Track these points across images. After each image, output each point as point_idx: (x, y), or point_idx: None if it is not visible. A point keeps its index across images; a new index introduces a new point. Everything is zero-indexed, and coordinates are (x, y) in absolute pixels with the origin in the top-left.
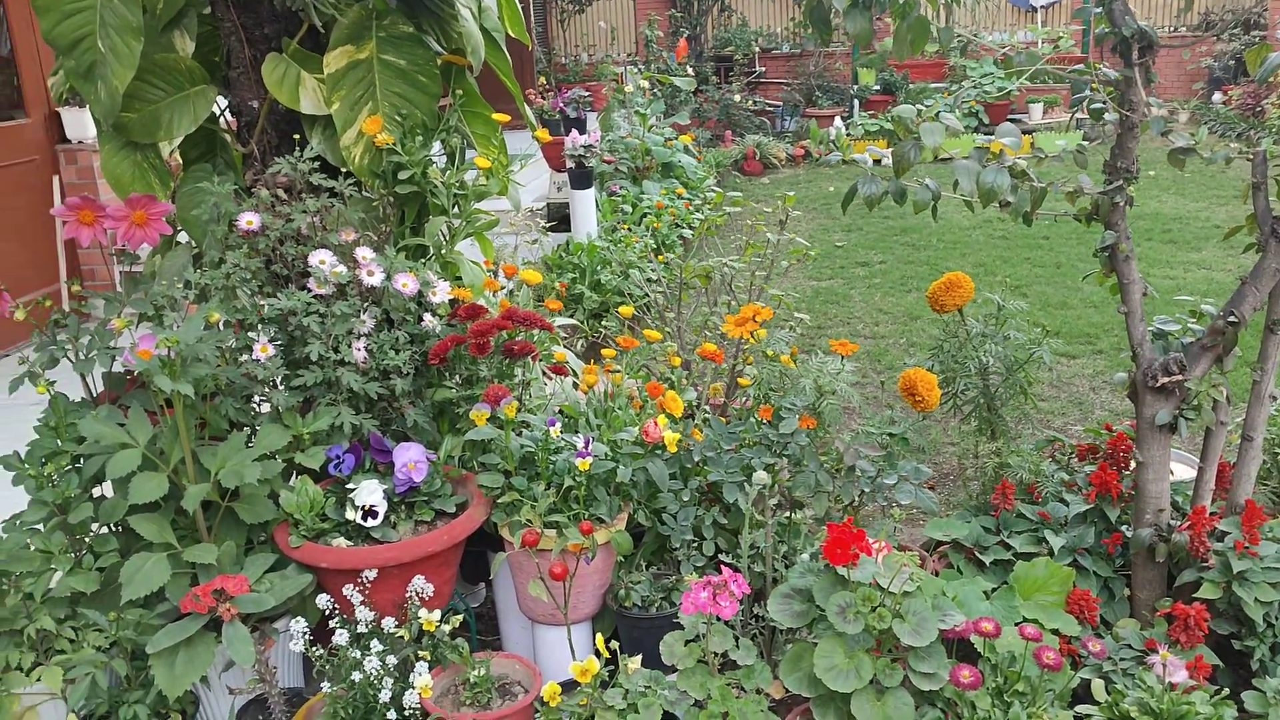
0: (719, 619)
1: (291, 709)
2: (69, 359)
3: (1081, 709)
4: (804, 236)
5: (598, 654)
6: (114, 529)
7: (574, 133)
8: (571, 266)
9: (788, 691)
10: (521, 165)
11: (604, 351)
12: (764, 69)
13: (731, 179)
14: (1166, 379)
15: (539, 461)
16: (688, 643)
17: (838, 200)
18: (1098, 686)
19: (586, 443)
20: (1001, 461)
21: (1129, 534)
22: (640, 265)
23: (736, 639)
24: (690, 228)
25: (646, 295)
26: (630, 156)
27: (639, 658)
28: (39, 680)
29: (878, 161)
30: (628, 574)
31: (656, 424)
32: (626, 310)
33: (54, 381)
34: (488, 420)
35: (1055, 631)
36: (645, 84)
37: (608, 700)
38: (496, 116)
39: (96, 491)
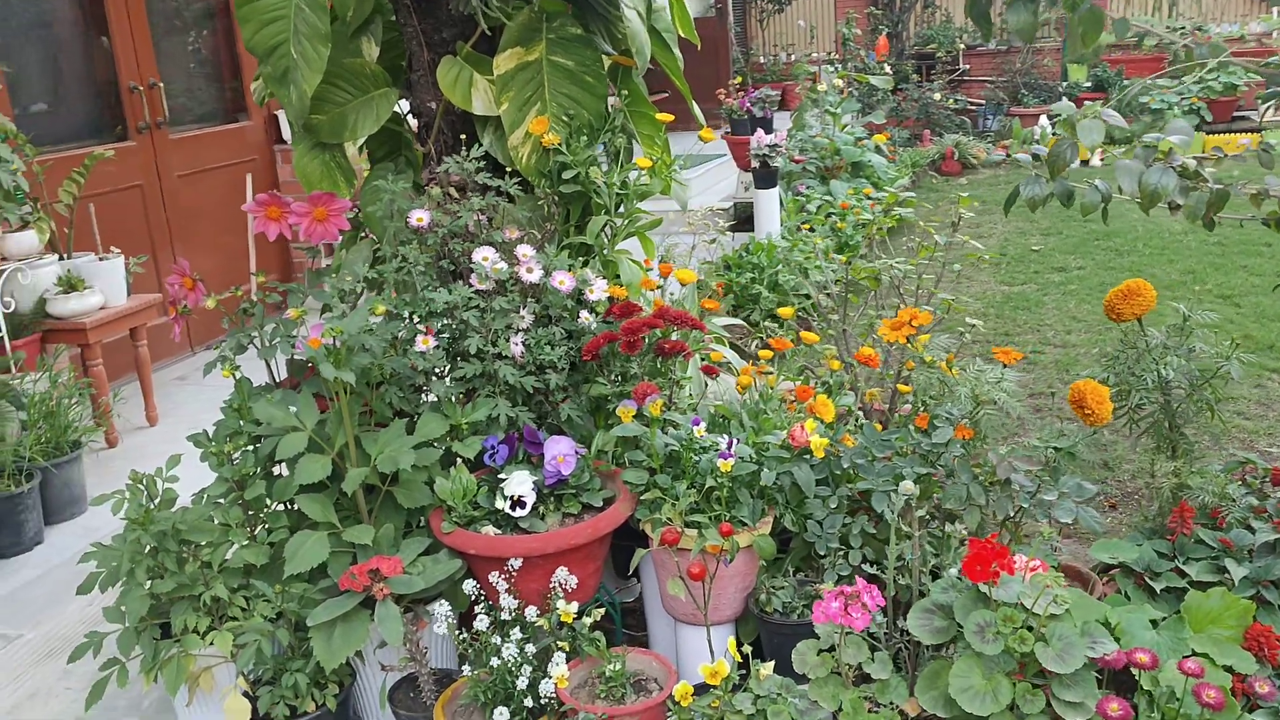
0: (852, 631)
1: (441, 688)
2: (255, 346)
3: None
4: (998, 240)
5: (737, 658)
6: (287, 507)
7: (759, 132)
8: (750, 266)
9: (923, 710)
10: (683, 165)
11: (761, 353)
12: (968, 66)
13: (928, 180)
14: None
15: (683, 460)
16: (821, 652)
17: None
18: None
19: (730, 444)
20: (1181, 482)
21: None
22: (819, 265)
23: (873, 652)
24: (878, 228)
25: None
26: (819, 156)
27: (772, 664)
28: (212, 644)
29: (1037, 158)
30: (771, 579)
31: (803, 427)
32: (787, 311)
33: (238, 366)
34: (634, 418)
35: (1228, 669)
36: (840, 82)
37: (736, 704)
38: (661, 117)
39: (276, 471)
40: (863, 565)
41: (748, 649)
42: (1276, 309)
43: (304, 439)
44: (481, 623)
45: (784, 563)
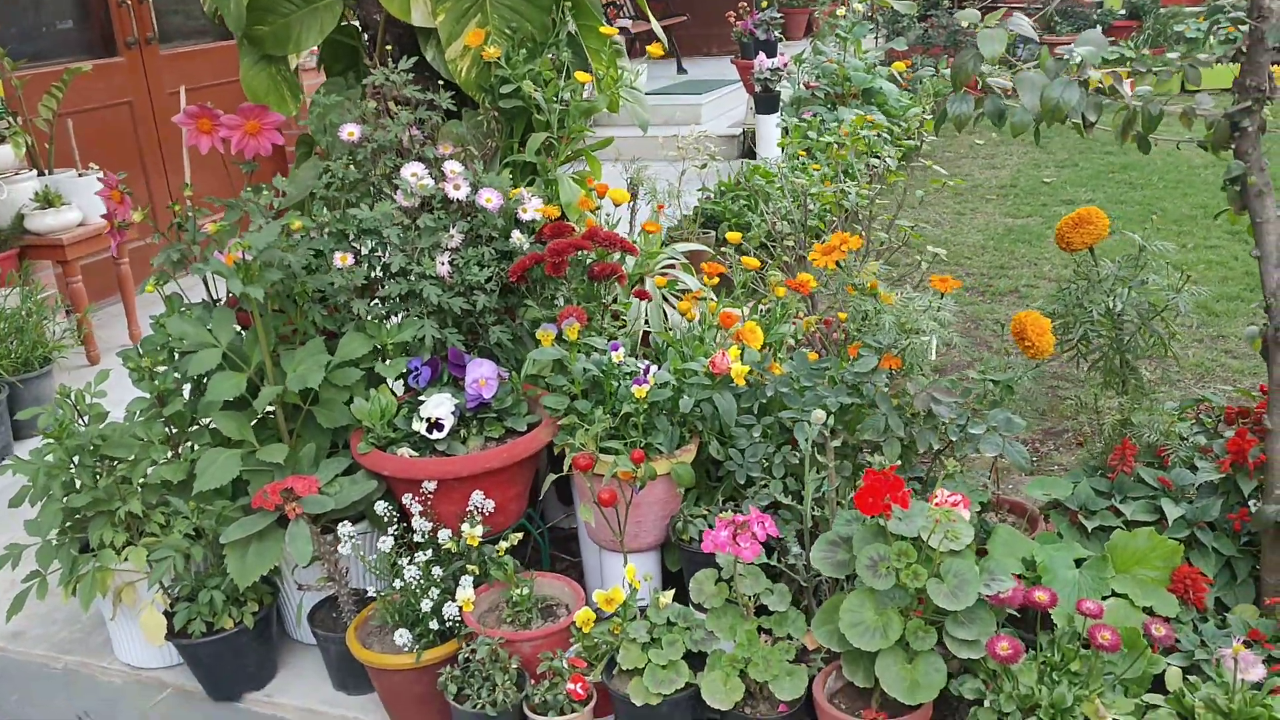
0: (743, 561)
1: (361, 609)
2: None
3: (1150, 698)
4: (1010, 171)
5: (635, 585)
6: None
7: (761, 55)
8: (744, 192)
9: (821, 645)
10: (635, 76)
11: (706, 279)
12: None
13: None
14: None
15: (605, 386)
16: (719, 582)
17: (1054, 134)
18: (1173, 675)
19: (646, 370)
20: (1124, 419)
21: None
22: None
23: (775, 583)
24: (877, 157)
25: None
26: (829, 82)
27: (672, 592)
28: (127, 560)
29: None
30: (690, 507)
31: (725, 355)
32: (734, 236)
33: (164, 280)
34: (554, 342)
35: (1149, 610)
36: (861, 6)
37: (630, 632)
38: (605, 30)
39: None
40: (784, 496)
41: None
42: None
43: (216, 355)
44: (385, 544)
45: (717, 493)
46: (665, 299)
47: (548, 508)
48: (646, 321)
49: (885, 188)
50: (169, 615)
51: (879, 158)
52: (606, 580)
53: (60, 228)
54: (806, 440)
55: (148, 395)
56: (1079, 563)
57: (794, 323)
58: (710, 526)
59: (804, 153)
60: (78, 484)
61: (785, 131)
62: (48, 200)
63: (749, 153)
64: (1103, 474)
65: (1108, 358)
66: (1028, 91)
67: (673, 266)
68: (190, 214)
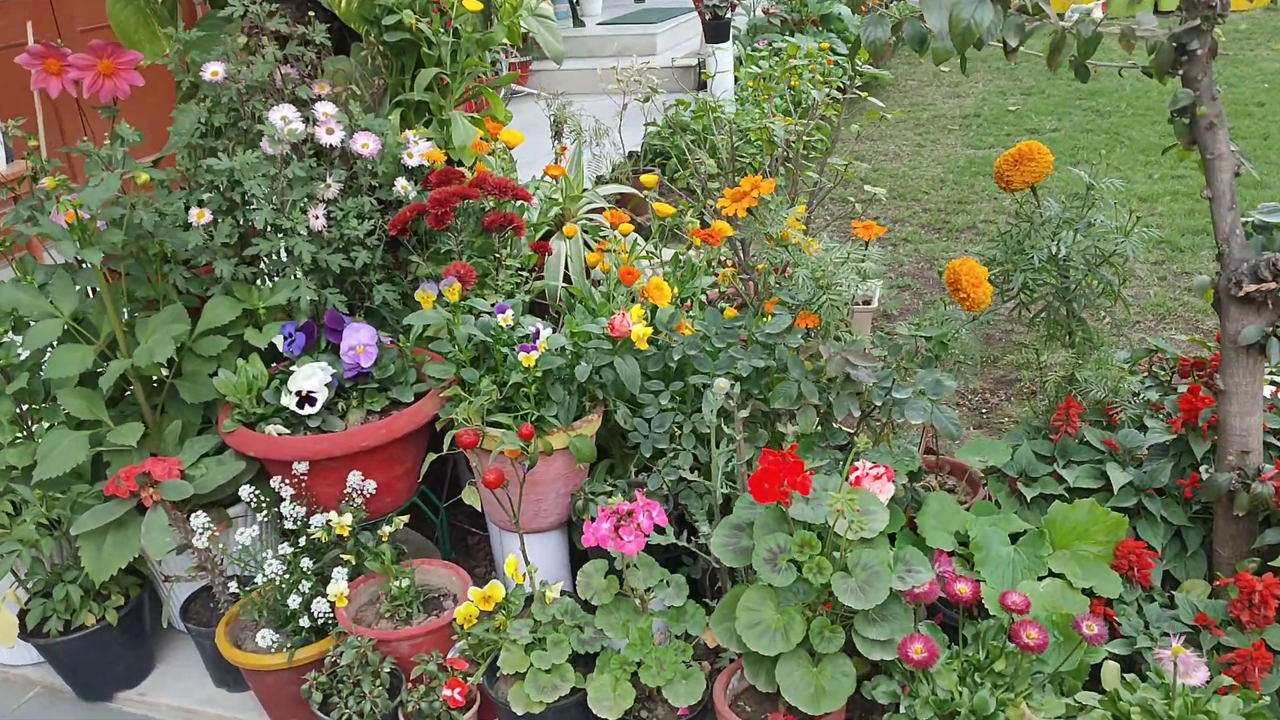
0: (632, 555)
1: (238, 599)
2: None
3: (1084, 696)
4: (975, 100)
5: (518, 580)
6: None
7: None
8: (694, 130)
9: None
10: (538, 1)
11: (622, 228)
12: None
13: None
14: (1255, 286)
15: (494, 353)
16: (609, 574)
17: (1022, 61)
18: (1110, 671)
19: (535, 334)
20: (1069, 374)
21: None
22: (770, 127)
23: (670, 573)
24: (838, 88)
25: (743, 162)
26: (786, 8)
27: (559, 585)
28: None
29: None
30: (593, 484)
31: (625, 315)
32: (650, 179)
33: (8, 243)
34: (435, 303)
35: (1088, 592)
36: None
37: (511, 632)
38: None
39: None
40: (692, 471)
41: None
42: (1259, 176)
43: (57, 326)
44: (244, 536)
45: (630, 464)
46: (589, 248)
47: (462, 476)
48: (568, 275)
49: (820, 122)
50: (24, 613)
51: (839, 88)
52: (503, 563)
53: None
54: (711, 410)
55: None
56: (1015, 538)
57: (715, 275)
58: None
59: (751, 83)
60: None
61: (740, 61)
62: None
63: (704, 84)
64: (1045, 435)
65: (1052, 308)
66: (933, 11)
67: (600, 211)
68: (42, 167)
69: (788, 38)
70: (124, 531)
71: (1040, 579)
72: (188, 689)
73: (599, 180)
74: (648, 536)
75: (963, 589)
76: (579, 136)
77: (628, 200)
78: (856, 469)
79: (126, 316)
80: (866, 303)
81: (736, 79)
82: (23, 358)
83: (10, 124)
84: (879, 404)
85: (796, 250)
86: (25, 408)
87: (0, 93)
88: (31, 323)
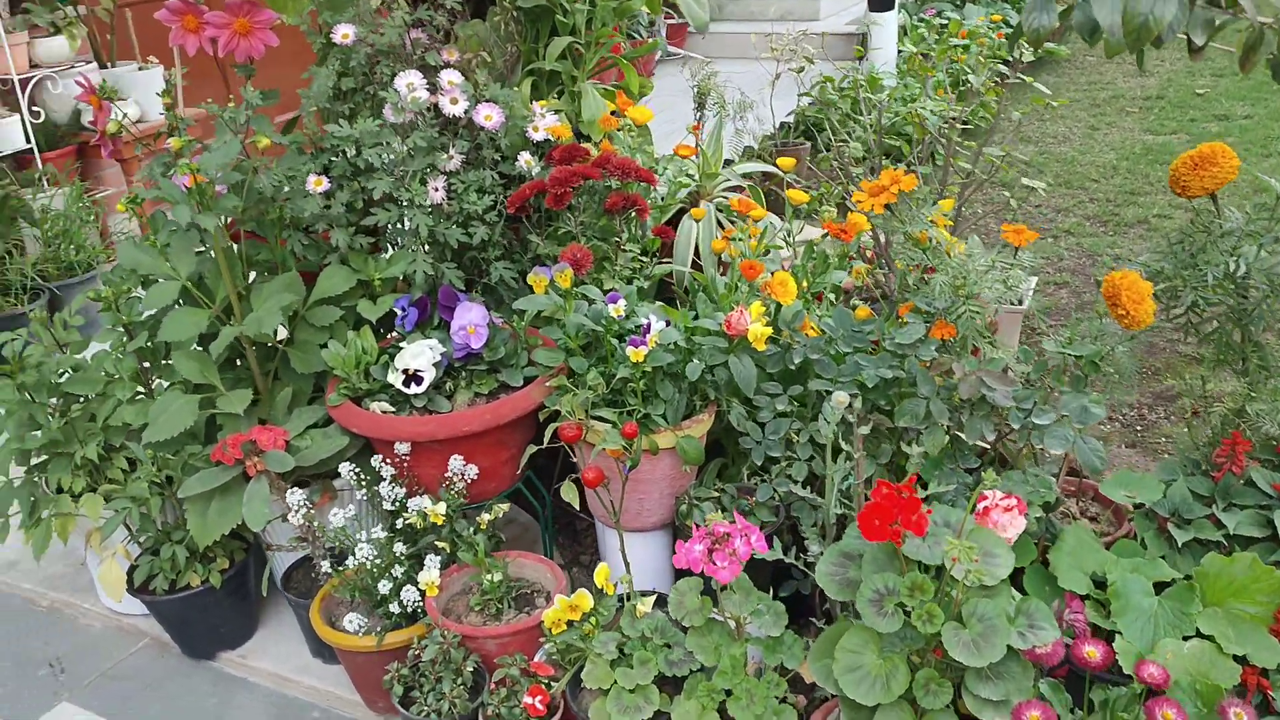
0: (725, 584)
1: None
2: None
3: None
4: (1159, 80)
5: (610, 590)
6: None
7: None
8: (852, 103)
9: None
10: None
11: (753, 214)
12: None
13: None
14: None
15: (604, 343)
16: (703, 594)
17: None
18: None
19: (646, 327)
20: (1239, 406)
21: None
22: (933, 103)
23: (773, 594)
24: (1006, 63)
25: (894, 143)
26: None
27: (653, 598)
28: (82, 509)
29: None
30: (699, 487)
31: (744, 312)
32: (787, 162)
33: (139, 200)
34: (547, 287)
35: (1241, 659)
36: None
37: (595, 647)
38: None
39: None
40: (805, 484)
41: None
42: None
43: (174, 289)
44: (338, 518)
45: (740, 467)
46: (722, 229)
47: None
48: (697, 257)
49: (978, 106)
50: (133, 568)
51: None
52: (610, 558)
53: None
54: (829, 424)
55: (113, 326)
56: (1160, 587)
57: (850, 268)
58: (723, 509)
59: (919, 57)
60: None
61: (905, 32)
62: (106, 94)
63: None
64: (1205, 472)
65: (1224, 330)
66: (1104, 2)
67: (739, 190)
68: (175, 124)
69: (957, 7)
70: (228, 498)
71: (1186, 638)
72: (285, 655)
73: (747, 152)
74: (744, 563)
75: (1092, 653)
76: (722, 109)
77: (770, 178)
78: (985, 498)
79: (251, 278)
80: (1018, 303)
81: (900, 51)
82: (145, 316)
83: (173, 72)
84: (1016, 427)
85: (938, 252)
86: (147, 365)
87: (159, 39)
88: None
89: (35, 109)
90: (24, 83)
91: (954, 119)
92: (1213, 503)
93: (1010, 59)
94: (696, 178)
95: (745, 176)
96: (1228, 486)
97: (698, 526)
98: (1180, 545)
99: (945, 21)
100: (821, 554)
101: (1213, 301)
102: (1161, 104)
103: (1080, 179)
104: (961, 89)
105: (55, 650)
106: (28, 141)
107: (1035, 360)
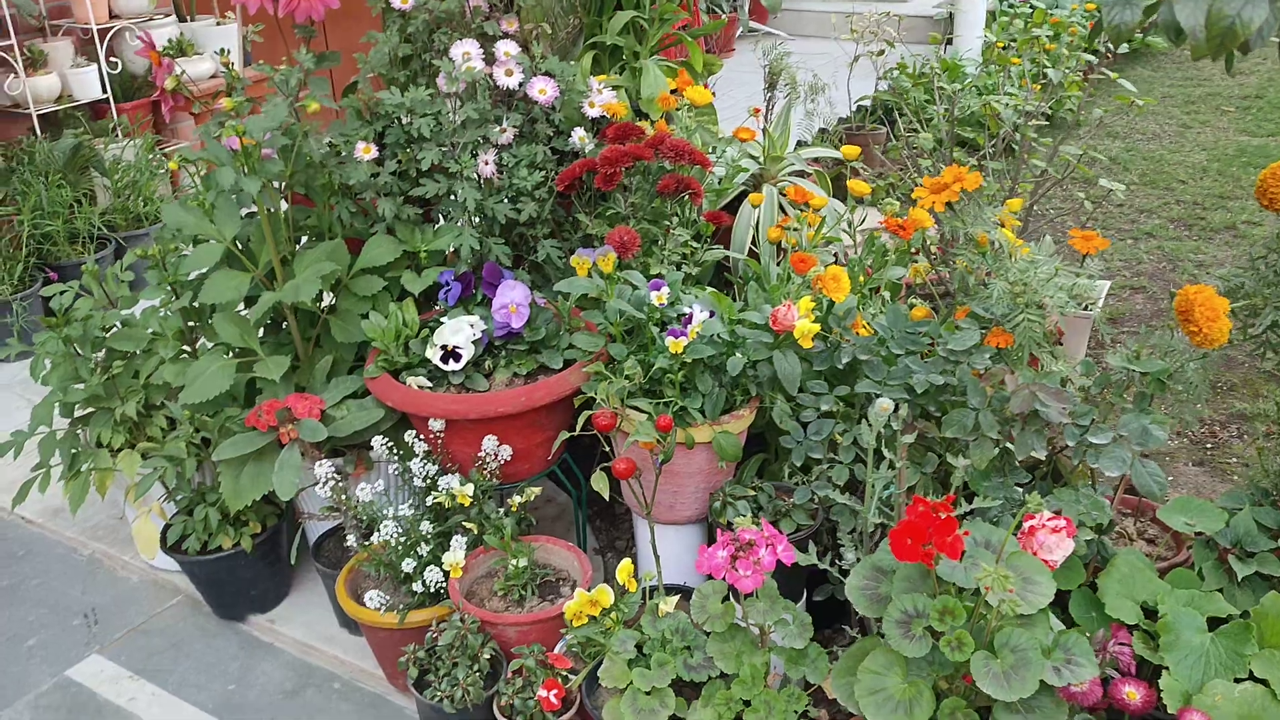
0: (748, 593)
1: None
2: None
3: None
4: (1259, 79)
5: (631, 587)
6: None
7: None
8: (926, 90)
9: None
10: None
11: (814, 202)
12: None
13: None
14: None
15: (644, 331)
16: (726, 600)
17: None
18: None
19: (688, 319)
20: None
21: None
22: (1013, 93)
23: (800, 603)
24: (1095, 53)
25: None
26: None
27: (675, 600)
28: (119, 466)
29: None
30: (734, 485)
31: (792, 307)
32: (851, 151)
33: (189, 160)
34: (590, 270)
35: None
36: None
37: (613, 645)
38: None
39: None
40: (846, 489)
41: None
42: None
43: (218, 251)
44: (365, 492)
45: (784, 463)
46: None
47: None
48: (755, 244)
49: (1059, 101)
50: (168, 527)
51: (1096, 54)
52: (642, 548)
53: (193, 78)
54: (872, 431)
55: (159, 284)
56: (1214, 623)
57: (911, 264)
58: (759, 508)
59: (1004, 45)
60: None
61: (993, 18)
62: (181, 49)
63: (951, 39)
64: (1275, 502)
65: None
66: (1185, 5)
67: (803, 175)
68: (233, 83)
69: None
70: (261, 464)
71: (1238, 680)
72: (312, 623)
73: (820, 135)
74: (769, 572)
75: (1132, 695)
76: (793, 91)
77: (841, 163)
78: (1032, 516)
79: (300, 242)
80: (1086, 308)
81: (983, 38)
82: (192, 277)
83: (250, 29)
84: (1070, 444)
85: (999, 256)
86: (193, 324)
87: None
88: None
89: (113, 59)
90: (103, 33)
91: (1029, 113)
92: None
93: (1100, 50)
94: (761, 160)
95: (814, 161)
96: None
97: (724, 530)
98: (1240, 579)
99: (1031, 9)
100: (857, 561)
101: None
102: (1260, 104)
103: (1167, 179)
104: (1045, 81)
105: (92, 600)
106: (104, 91)
107: (1098, 373)
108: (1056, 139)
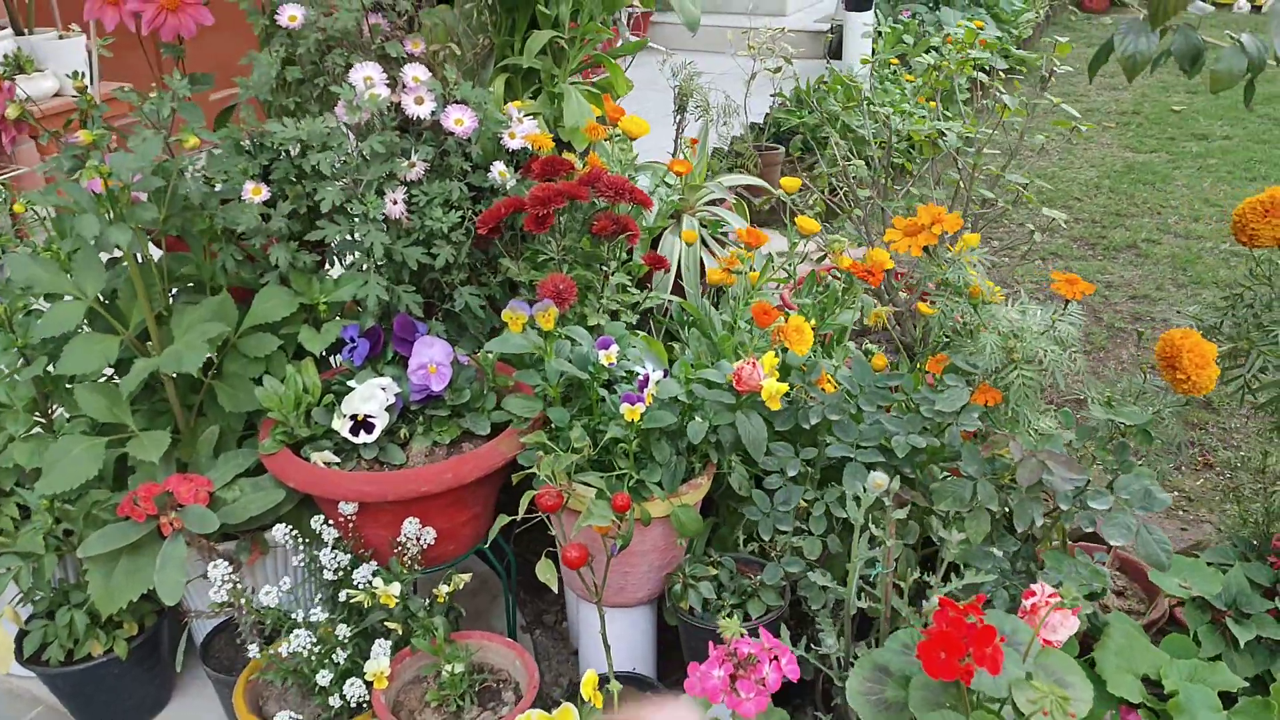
0: (750, 718)
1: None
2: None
3: None
4: (1133, 96)
5: (596, 702)
6: None
7: None
8: (818, 102)
9: None
10: None
11: (757, 237)
12: None
13: (1065, 16)
14: None
15: (589, 393)
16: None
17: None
18: None
19: (643, 382)
20: None
21: None
22: (906, 111)
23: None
24: (985, 71)
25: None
26: None
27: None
28: None
29: None
30: (693, 564)
31: (756, 366)
32: (791, 183)
33: (18, 204)
34: (525, 326)
35: None
36: None
37: None
38: None
39: None
40: (819, 562)
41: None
42: None
43: (79, 311)
44: (269, 597)
45: (736, 532)
46: (710, 250)
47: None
48: (680, 278)
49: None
50: (24, 634)
51: (986, 71)
52: (585, 636)
53: (35, 99)
54: (860, 506)
55: (8, 348)
56: (1224, 697)
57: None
58: (721, 586)
59: (896, 61)
60: None
61: (879, 34)
62: (20, 66)
63: (836, 52)
64: (1261, 556)
65: None
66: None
67: (720, 203)
68: (88, 111)
69: (931, 9)
70: (139, 559)
71: None
72: None
73: (716, 154)
74: (773, 694)
75: None
76: (706, 114)
77: (756, 192)
78: (1032, 593)
79: (175, 294)
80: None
81: (875, 52)
82: (45, 339)
83: (99, 42)
84: (1064, 508)
85: (984, 308)
86: (48, 393)
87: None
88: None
89: None
90: None
91: (981, 142)
92: (1274, 594)
93: (987, 69)
94: (678, 188)
95: (730, 188)
96: None
97: (713, 650)
98: (1242, 645)
99: (932, 26)
100: (837, 646)
101: (1269, 365)
102: (1138, 120)
103: (1063, 196)
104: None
105: None
106: None
107: (1076, 425)
108: (979, 164)
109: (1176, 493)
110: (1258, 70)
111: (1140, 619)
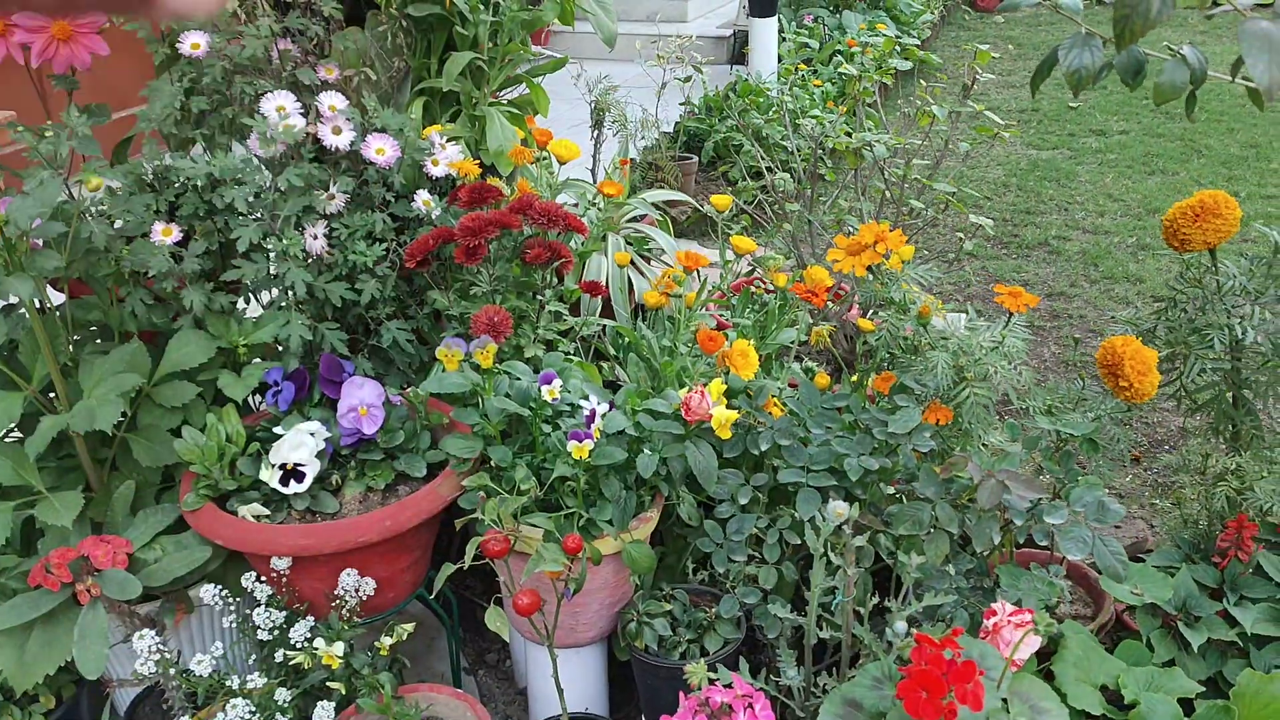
0: None
1: (203, 705)
2: None
3: None
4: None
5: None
6: None
7: None
8: (735, 111)
9: None
10: None
11: (696, 260)
12: None
13: (959, 15)
14: None
15: (531, 429)
16: None
17: None
18: None
19: (590, 417)
20: (1243, 485)
21: None
22: (818, 116)
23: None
24: (893, 75)
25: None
26: None
27: None
28: None
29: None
30: (646, 601)
31: (705, 394)
32: (722, 201)
33: None
34: (461, 363)
35: None
36: None
37: None
38: None
39: None
40: (775, 592)
41: None
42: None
43: None
44: (203, 665)
45: (684, 562)
46: (638, 269)
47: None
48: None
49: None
50: None
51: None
52: (534, 676)
53: None
54: (819, 535)
55: None
56: (1184, 703)
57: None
58: (675, 621)
59: (803, 65)
60: None
61: (783, 39)
62: None
63: (739, 58)
64: (1206, 556)
65: (1220, 397)
66: (1256, 52)
67: (643, 219)
68: None
69: (833, 13)
70: (54, 629)
71: None
72: None
73: (632, 165)
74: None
75: None
76: (624, 128)
77: (675, 205)
78: (994, 612)
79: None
80: None
81: (780, 58)
82: None
83: None
84: (1018, 524)
85: (932, 326)
86: None
87: None
88: None
89: None
90: None
91: (910, 153)
92: (1221, 595)
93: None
94: (601, 206)
95: (654, 204)
96: (1235, 576)
97: (685, 701)
98: (1195, 648)
99: (835, 30)
100: (799, 678)
101: (1210, 369)
102: (1038, 117)
103: (971, 197)
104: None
105: None
106: None
107: (1022, 436)
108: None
109: (1107, 490)
110: (1199, 82)
111: (1088, 623)
